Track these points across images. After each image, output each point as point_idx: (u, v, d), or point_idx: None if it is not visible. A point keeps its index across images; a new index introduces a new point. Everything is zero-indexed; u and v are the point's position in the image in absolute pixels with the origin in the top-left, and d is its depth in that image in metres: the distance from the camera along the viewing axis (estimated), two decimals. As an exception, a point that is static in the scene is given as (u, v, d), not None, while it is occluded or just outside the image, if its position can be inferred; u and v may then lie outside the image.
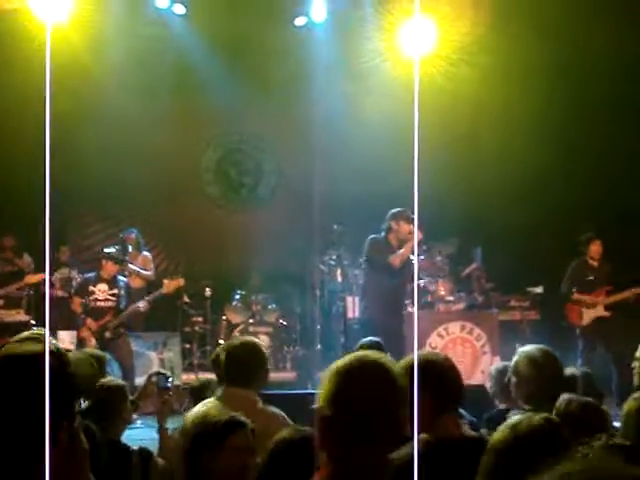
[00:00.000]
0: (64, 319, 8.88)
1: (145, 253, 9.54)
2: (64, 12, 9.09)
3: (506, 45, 9.65)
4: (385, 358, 1.90)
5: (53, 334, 8.22)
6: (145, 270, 9.34)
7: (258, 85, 10.83)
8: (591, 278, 8.28)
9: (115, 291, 7.64)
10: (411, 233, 7.21)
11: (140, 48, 9.95)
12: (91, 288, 7.64)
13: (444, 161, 9.85)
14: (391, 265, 7.28)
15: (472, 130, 10.36)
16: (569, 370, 4.16)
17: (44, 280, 8.45)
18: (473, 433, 2.73)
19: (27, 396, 1.58)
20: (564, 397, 3.19)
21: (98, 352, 5.21)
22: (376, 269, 7.49)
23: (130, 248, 9.29)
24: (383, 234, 7.49)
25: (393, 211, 7.51)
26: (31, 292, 8.72)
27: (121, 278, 7.86)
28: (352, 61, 10.55)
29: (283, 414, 3.43)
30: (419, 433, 2.47)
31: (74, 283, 9.27)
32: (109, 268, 7.67)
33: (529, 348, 3.59)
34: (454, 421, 2.67)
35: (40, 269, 8.20)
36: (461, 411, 3.89)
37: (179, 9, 10.19)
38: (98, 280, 7.67)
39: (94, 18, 9.42)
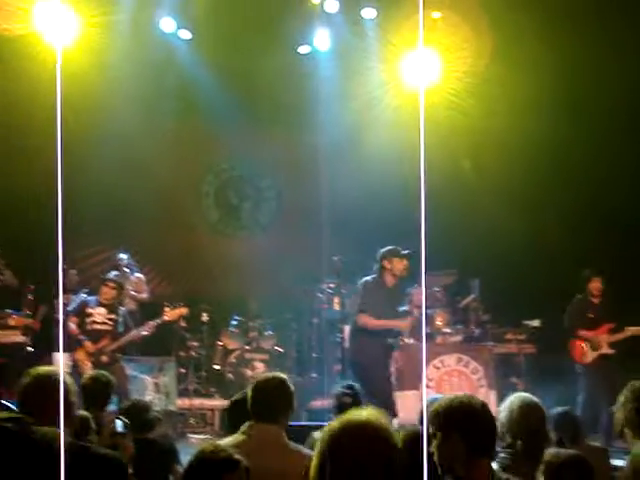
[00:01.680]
0: (59, 341, 8.85)
1: (138, 275, 9.51)
2: (70, 36, 9.17)
3: (509, 76, 9.72)
4: (374, 420, 1.86)
5: (49, 356, 8.18)
6: (138, 293, 9.31)
7: (261, 111, 10.90)
8: (592, 316, 8.26)
9: (113, 316, 7.61)
10: (406, 268, 7.28)
11: (145, 72, 10.00)
12: (89, 310, 7.62)
13: (445, 192, 9.88)
14: (365, 325, 7.28)
15: (474, 161, 10.41)
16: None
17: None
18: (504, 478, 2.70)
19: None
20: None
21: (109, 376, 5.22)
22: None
23: (122, 272, 9.24)
24: (376, 275, 7.45)
25: (383, 250, 7.50)
26: (27, 312, 8.67)
27: (121, 308, 7.85)
28: (356, 90, 10.60)
29: (309, 451, 3.35)
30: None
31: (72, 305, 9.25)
32: (107, 293, 7.66)
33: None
34: (487, 466, 2.64)
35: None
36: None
37: (185, 34, 10.27)
38: (97, 304, 7.65)
39: (100, 41, 9.50)
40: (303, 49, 10.76)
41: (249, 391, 3.55)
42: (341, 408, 4.48)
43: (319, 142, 11.59)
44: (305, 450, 3.40)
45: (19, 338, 8.25)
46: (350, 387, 4.96)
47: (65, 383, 2.86)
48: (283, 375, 3.69)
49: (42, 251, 9.72)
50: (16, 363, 8.07)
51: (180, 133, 10.86)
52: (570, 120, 9.66)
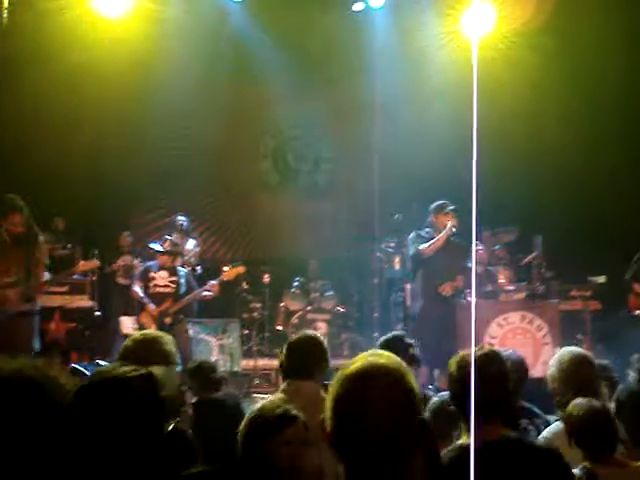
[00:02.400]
0: (127, 306, 9.08)
1: (191, 240, 9.54)
2: (124, 6, 9.25)
3: (570, 27, 9.43)
4: (393, 364, 1.70)
5: (116, 320, 8.40)
6: (194, 257, 9.35)
7: (316, 72, 10.84)
8: None
9: (174, 278, 7.74)
10: (453, 224, 7.33)
11: (198, 36, 10.03)
12: (152, 274, 7.77)
13: (505, 148, 9.71)
14: (422, 254, 7.45)
15: (533, 116, 10.15)
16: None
17: (96, 268, 8.57)
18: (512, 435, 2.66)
19: (119, 418, 1.64)
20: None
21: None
22: (419, 263, 7.62)
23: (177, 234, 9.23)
24: (427, 229, 7.58)
25: (432, 205, 7.61)
26: (94, 278, 8.88)
27: (181, 268, 7.97)
28: (411, 47, 10.43)
29: None
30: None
31: (136, 271, 9.42)
32: (163, 259, 7.80)
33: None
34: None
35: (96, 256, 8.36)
36: (525, 404, 3.87)
37: (237, -4, 10.25)
38: (159, 268, 7.81)
39: (153, 8, 9.55)
40: (357, 6, 10.62)
41: (283, 350, 3.64)
42: None
43: (374, 100, 11.46)
44: None
45: (86, 303, 8.46)
46: (399, 337, 4.75)
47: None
48: (313, 332, 3.76)
49: (94, 215, 10.07)
50: (85, 327, 8.31)
51: (236, 96, 10.86)
52: (635, 75, 9.34)
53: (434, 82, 10.40)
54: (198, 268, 9.16)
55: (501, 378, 2.58)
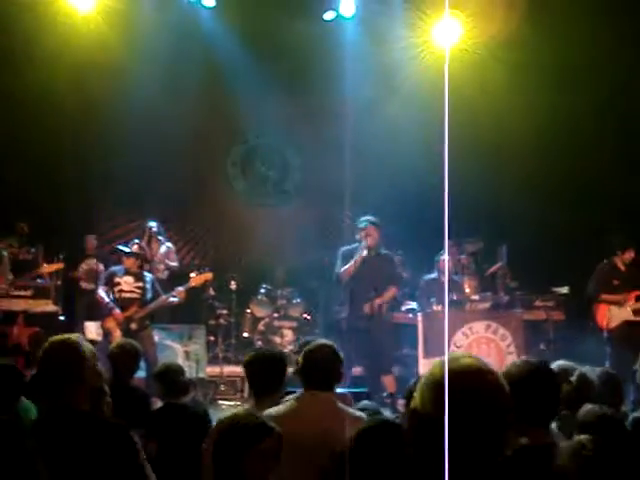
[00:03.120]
0: (91, 311, 9.01)
1: (168, 244, 9.58)
2: (93, 3, 9.20)
3: (537, 41, 9.57)
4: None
5: (80, 325, 8.32)
6: (170, 261, 9.40)
7: (285, 79, 10.85)
8: (617, 283, 8.18)
9: (140, 284, 7.69)
10: (367, 237, 7.53)
11: (169, 40, 9.99)
12: (117, 279, 7.71)
13: (471, 159, 9.81)
14: (341, 278, 7.67)
15: (499, 128, 10.28)
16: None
17: (60, 270, 8.56)
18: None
19: None
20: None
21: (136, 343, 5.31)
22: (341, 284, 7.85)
23: (150, 240, 9.33)
24: (354, 244, 7.75)
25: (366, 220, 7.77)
26: (58, 282, 8.80)
27: (147, 274, 7.92)
28: (381, 55, 10.52)
29: (363, 415, 3.42)
30: None
31: (101, 276, 9.36)
32: (130, 263, 7.75)
33: None
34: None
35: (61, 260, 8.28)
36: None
37: (208, 1, 10.24)
38: (124, 273, 7.74)
39: (123, 9, 9.52)
40: (328, 15, 10.67)
41: (300, 359, 3.61)
42: None
43: (343, 110, 11.52)
44: (358, 413, 3.45)
45: (51, 307, 8.38)
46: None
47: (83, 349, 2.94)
48: (330, 342, 3.75)
49: (58, 218, 9.96)
50: (50, 332, 8.21)
51: (205, 102, 10.84)
52: (599, 85, 9.51)
53: (404, 91, 10.47)
54: (174, 264, 9.19)
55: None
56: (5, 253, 7.68)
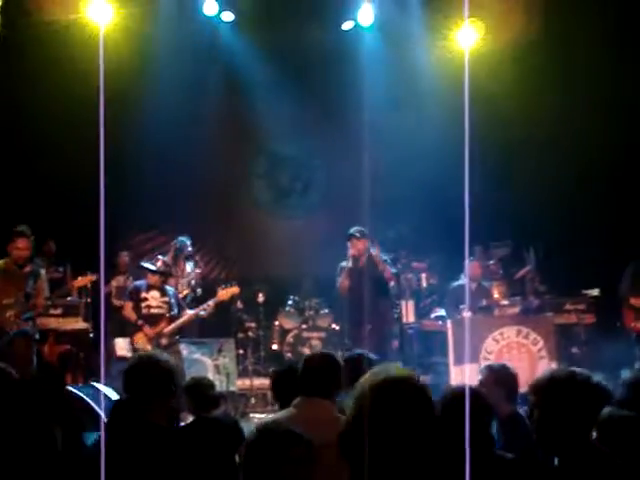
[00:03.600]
0: (121, 327, 9.05)
1: (190, 263, 9.53)
2: (113, 21, 9.27)
3: (557, 46, 9.52)
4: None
5: (110, 341, 8.35)
6: (193, 281, 9.32)
7: (307, 90, 10.87)
8: None
9: (166, 298, 7.70)
10: (364, 248, 7.32)
11: (189, 56, 10.07)
12: (143, 295, 7.72)
13: (497, 163, 9.76)
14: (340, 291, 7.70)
15: (525, 130, 10.21)
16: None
17: (90, 285, 8.60)
18: None
19: None
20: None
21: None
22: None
23: (177, 257, 9.30)
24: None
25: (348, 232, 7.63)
26: (88, 300, 8.84)
27: (169, 288, 7.92)
28: (401, 65, 10.51)
29: None
30: None
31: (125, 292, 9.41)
32: (154, 279, 7.76)
33: None
34: None
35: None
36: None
37: (227, 16, 10.28)
38: (148, 288, 7.75)
39: (143, 26, 9.58)
40: (346, 25, 10.68)
41: (299, 367, 3.62)
42: None
43: (366, 118, 11.51)
44: None
45: (81, 325, 8.42)
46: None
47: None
48: (331, 352, 3.76)
49: (85, 236, 9.99)
50: (80, 349, 8.26)
51: (227, 116, 10.91)
52: (615, 89, 9.42)
53: (425, 98, 10.45)
54: (198, 290, 9.18)
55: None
56: (43, 271, 7.75)
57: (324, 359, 3.62)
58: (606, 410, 3.21)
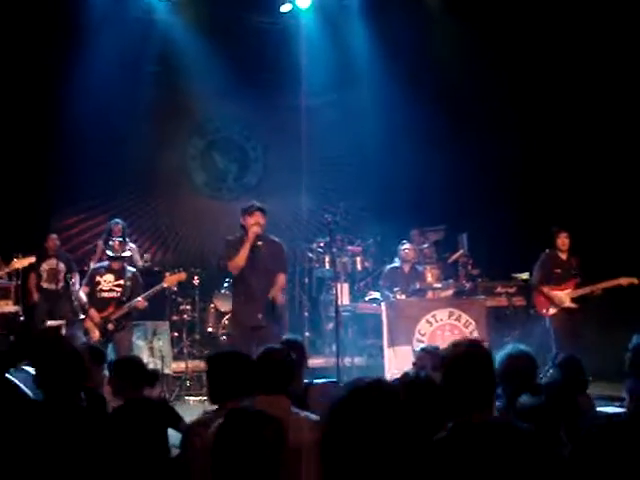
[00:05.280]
0: (52, 310, 8.92)
1: (131, 245, 9.47)
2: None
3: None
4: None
5: (41, 325, 8.20)
6: (135, 263, 9.27)
7: (244, 72, 10.80)
8: (559, 271, 8.33)
9: (121, 282, 7.52)
10: (256, 224, 6.62)
11: (125, 34, 9.87)
12: (97, 278, 7.54)
13: (431, 150, 9.89)
14: (229, 269, 6.71)
15: (457, 120, 10.38)
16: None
17: (32, 264, 8.44)
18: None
19: None
20: None
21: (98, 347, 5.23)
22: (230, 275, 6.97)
23: (117, 239, 9.24)
24: (239, 234, 6.80)
25: (242, 207, 6.88)
26: (19, 283, 8.66)
27: (129, 269, 7.75)
28: (339, 47, 10.55)
29: (317, 418, 3.33)
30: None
31: (60, 276, 9.24)
32: (116, 264, 7.56)
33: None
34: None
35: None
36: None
37: (165, -6, 10.14)
38: (106, 271, 7.58)
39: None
40: (285, 7, 10.65)
41: (255, 363, 3.53)
42: None
43: (301, 100, 11.55)
44: (313, 417, 3.38)
45: (11, 308, 8.24)
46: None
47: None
48: (281, 347, 3.71)
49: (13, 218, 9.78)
50: (10, 332, 8.08)
51: (164, 97, 10.76)
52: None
53: (359, 84, 10.53)
54: (139, 264, 9.27)
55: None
56: None
57: (278, 354, 3.53)
58: (522, 398, 3.34)
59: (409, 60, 10.26)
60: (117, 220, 9.33)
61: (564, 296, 8.20)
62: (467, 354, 2.65)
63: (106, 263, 7.66)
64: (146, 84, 10.45)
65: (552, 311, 8.23)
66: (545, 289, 8.26)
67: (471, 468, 2.36)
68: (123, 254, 7.73)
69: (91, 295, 7.49)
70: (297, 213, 11.73)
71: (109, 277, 7.52)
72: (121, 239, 8.12)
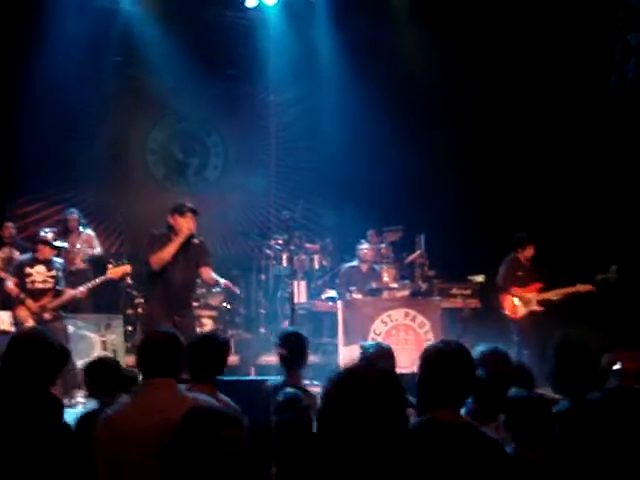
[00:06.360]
0: (4, 300, 8.73)
1: (88, 231, 9.45)
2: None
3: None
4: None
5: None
6: (91, 248, 9.28)
7: (207, 66, 10.72)
8: (520, 274, 8.55)
9: (53, 272, 7.48)
10: (188, 228, 6.48)
11: (88, 22, 9.72)
12: (27, 270, 7.46)
13: (390, 149, 9.93)
14: (153, 265, 6.46)
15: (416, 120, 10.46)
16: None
17: None
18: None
19: None
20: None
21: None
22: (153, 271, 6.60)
23: (72, 228, 9.24)
24: (165, 231, 6.58)
25: (172, 206, 6.68)
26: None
27: (56, 260, 7.69)
28: (304, 42, 10.55)
29: (209, 398, 3.33)
30: None
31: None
32: (46, 251, 7.51)
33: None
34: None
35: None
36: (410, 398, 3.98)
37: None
38: (34, 262, 7.50)
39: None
40: (250, 2, 10.60)
41: (138, 349, 3.44)
42: None
43: (266, 95, 11.52)
44: (201, 396, 3.35)
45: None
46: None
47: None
48: (170, 329, 3.62)
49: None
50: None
51: (123, 86, 10.63)
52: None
53: (326, 76, 10.54)
54: (97, 250, 9.30)
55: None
56: None
57: (162, 337, 3.43)
58: (512, 391, 3.37)
59: (371, 60, 10.30)
60: (72, 210, 9.34)
61: (532, 298, 8.37)
62: (455, 352, 2.78)
63: (32, 254, 7.56)
64: (108, 75, 10.31)
65: (520, 314, 8.38)
66: (518, 291, 8.40)
67: (429, 466, 2.45)
68: (55, 244, 7.67)
69: (22, 286, 7.39)
70: (256, 209, 11.69)
71: (40, 268, 7.45)
72: (55, 230, 8.05)
